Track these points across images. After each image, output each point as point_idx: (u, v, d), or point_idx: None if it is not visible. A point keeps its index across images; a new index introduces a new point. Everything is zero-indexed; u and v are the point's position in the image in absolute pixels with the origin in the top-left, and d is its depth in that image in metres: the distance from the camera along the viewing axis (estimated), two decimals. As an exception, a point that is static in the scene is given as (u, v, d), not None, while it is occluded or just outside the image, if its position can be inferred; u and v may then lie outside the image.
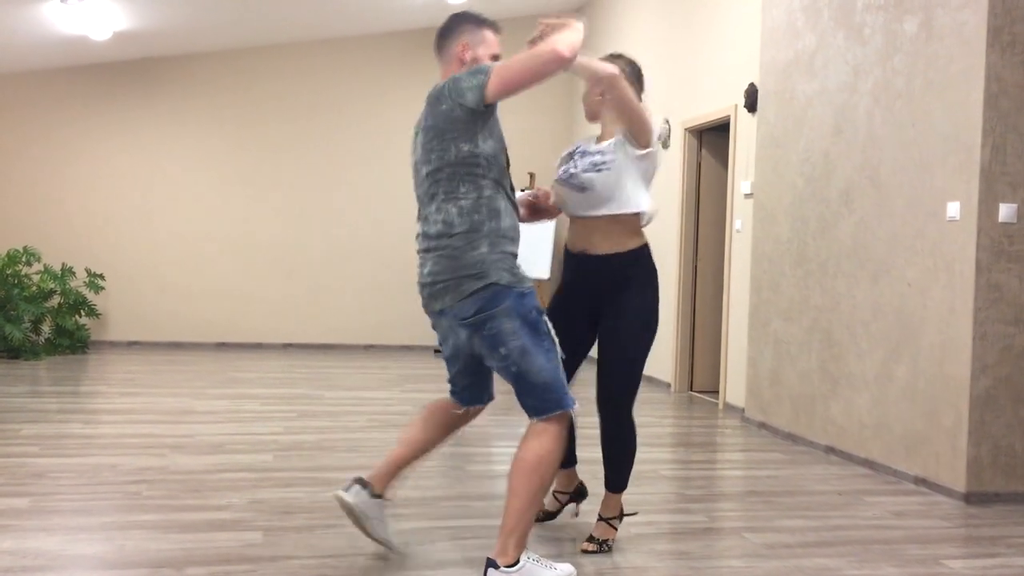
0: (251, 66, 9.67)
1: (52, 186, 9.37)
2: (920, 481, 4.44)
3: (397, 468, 3.18)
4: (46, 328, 8.76)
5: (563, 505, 3.70)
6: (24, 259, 8.48)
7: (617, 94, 3.09)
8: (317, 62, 9.74)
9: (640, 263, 3.28)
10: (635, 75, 3.43)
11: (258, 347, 9.62)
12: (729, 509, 3.98)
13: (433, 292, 2.90)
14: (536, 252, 9.46)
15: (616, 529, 3.39)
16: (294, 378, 7.54)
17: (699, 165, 7.33)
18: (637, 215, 3.28)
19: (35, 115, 9.32)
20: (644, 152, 3.23)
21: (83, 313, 8.85)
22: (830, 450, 5.13)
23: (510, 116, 10.05)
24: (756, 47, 6.19)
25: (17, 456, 4.46)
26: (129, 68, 9.46)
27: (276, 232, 9.69)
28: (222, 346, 9.60)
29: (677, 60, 7.56)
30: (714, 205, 7.28)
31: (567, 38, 2.78)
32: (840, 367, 5.08)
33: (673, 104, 7.59)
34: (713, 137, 7.26)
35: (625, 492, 4.15)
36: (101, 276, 9.02)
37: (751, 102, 6.26)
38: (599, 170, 3.24)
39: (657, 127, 3.27)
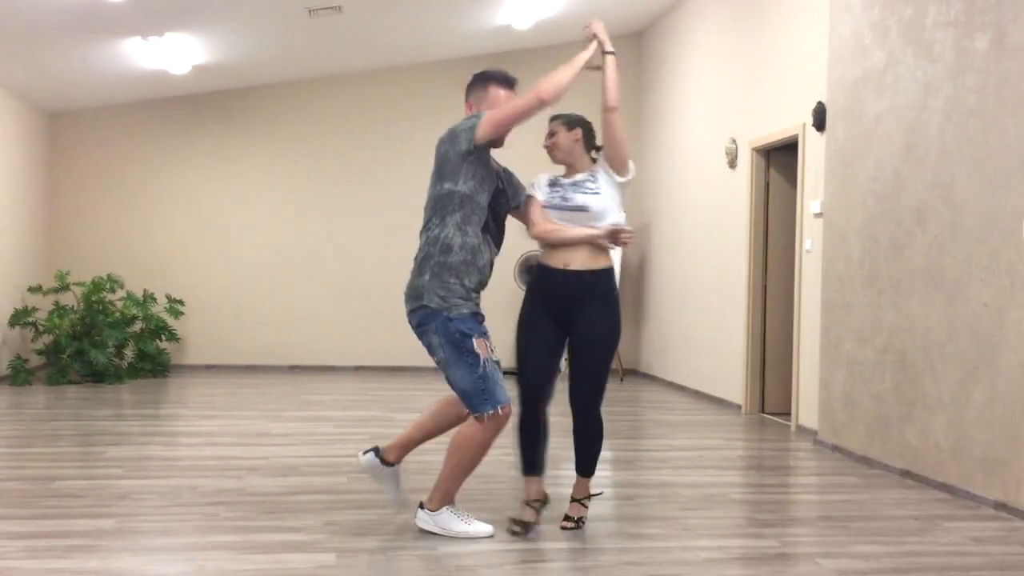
0: (323, 95, 9.90)
1: (133, 215, 9.71)
2: (1000, 506, 4.32)
3: (407, 446, 3.90)
4: (129, 353, 9.05)
5: (538, 513, 3.83)
6: (108, 286, 8.78)
7: (618, 124, 3.80)
8: (386, 90, 9.92)
9: (610, 280, 3.83)
10: (582, 123, 4.04)
11: (330, 370, 9.80)
12: (802, 534, 3.94)
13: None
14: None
15: (587, 508, 3.86)
16: (367, 400, 7.66)
17: (767, 185, 7.27)
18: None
19: (117, 147, 9.69)
20: (625, 180, 3.81)
21: (164, 338, 9.13)
22: (906, 474, 5.03)
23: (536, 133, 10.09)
24: (824, 65, 6.14)
25: (103, 478, 4.63)
26: (206, 100, 9.77)
27: (347, 257, 9.87)
28: (295, 369, 9.80)
29: (743, 79, 7.53)
30: (783, 225, 7.21)
31: (552, 80, 3.60)
32: (915, 389, 4.98)
33: (740, 123, 7.55)
34: (781, 156, 7.20)
35: (690, 514, 4.13)
36: (181, 302, 9.29)
37: (819, 120, 6.20)
38: (595, 194, 3.77)
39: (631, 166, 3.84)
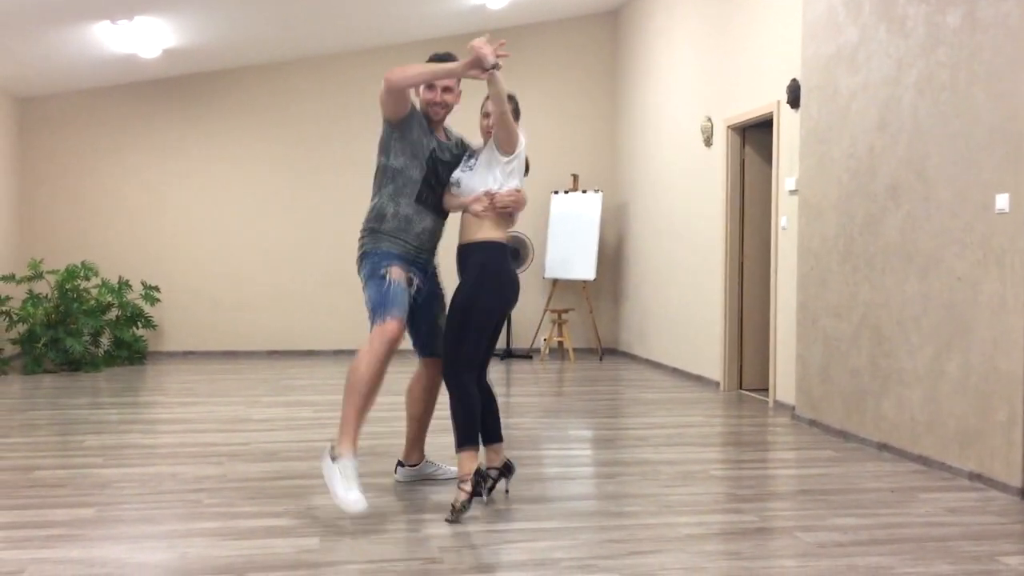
0: (295, 78, 9.82)
1: (106, 201, 9.61)
2: (975, 477, 4.39)
3: (417, 439, 4.24)
4: (105, 340, 8.98)
5: (495, 480, 4.00)
6: (82, 274, 8.70)
7: (501, 109, 3.83)
8: (360, 72, 9.86)
9: (478, 252, 3.91)
10: (515, 109, 4.04)
11: (309, 354, 9.77)
12: (781, 508, 3.98)
13: None
14: (582, 255, 9.47)
15: (466, 492, 3.74)
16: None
17: (743, 162, 7.30)
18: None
19: (88, 132, 9.57)
20: (508, 158, 3.94)
21: (140, 325, 9.06)
22: (882, 447, 5.09)
23: (554, 120, 10.09)
24: (798, 42, 6.16)
25: (81, 467, 4.61)
26: (178, 84, 9.66)
27: (324, 240, 9.83)
28: (274, 354, 9.76)
29: (718, 57, 7.54)
30: (759, 203, 7.25)
31: (405, 70, 3.80)
32: (891, 363, 5.04)
33: (715, 102, 7.57)
34: (756, 134, 7.23)
35: (671, 491, 4.17)
36: (156, 288, 9.22)
37: (794, 98, 6.22)
38: (468, 170, 4.00)
39: (522, 143, 3.99)
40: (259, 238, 9.79)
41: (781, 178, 6.52)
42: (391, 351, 3.75)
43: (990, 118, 4.32)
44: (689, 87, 8.14)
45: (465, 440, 3.81)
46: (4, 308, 8.43)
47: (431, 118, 4.02)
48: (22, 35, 7.50)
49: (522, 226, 9.84)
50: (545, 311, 9.80)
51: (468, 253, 3.92)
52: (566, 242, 9.62)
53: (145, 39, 8.01)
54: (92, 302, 8.72)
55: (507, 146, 3.92)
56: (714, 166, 7.55)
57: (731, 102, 7.28)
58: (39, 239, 9.47)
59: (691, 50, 8.10)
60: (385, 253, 3.88)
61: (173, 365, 8.94)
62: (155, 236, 9.65)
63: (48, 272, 8.74)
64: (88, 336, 8.64)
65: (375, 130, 4.22)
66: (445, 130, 4.14)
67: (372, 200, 4.01)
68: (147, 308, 9.31)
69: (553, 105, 10.12)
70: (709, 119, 7.63)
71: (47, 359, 8.42)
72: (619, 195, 10.01)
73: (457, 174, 4.01)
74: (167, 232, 9.67)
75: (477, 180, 3.94)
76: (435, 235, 4.07)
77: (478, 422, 3.87)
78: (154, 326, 9.29)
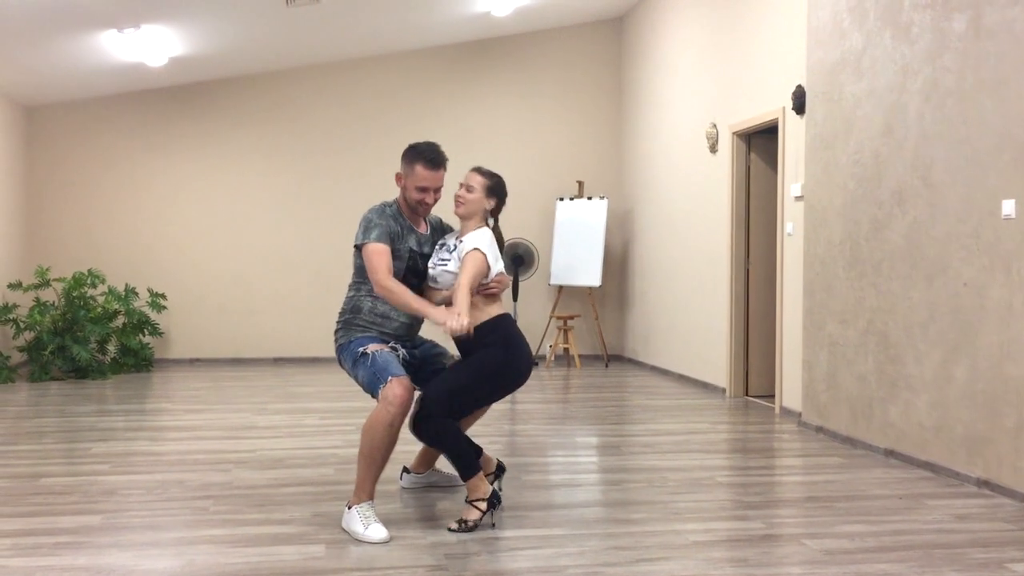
0: (302, 86, 9.85)
1: (113, 209, 9.64)
2: (983, 483, 4.37)
3: (429, 454, 4.27)
4: (111, 348, 9.00)
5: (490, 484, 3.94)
6: (89, 281, 8.72)
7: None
8: (366, 79, 9.88)
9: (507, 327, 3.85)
10: (503, 195, 3.95)
11: (314, 361, 9.78)
12: (787, 515, 3.97)
13: None
14: (587, 262, 9.48)
15: (480, 511, 3.69)
16: (351, 391, 7.64)
17: (748, 169, 7.30)
18: None
19: (95, 141, 9.60)
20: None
21: (147, 332, 9.08)
22: (890, 453, 5.08)
23: (559, 127, 10.10)
24: (803, 48, 6.16)
25: (88, 474, 4.62)
26: (185, 92, 9.70)
27: (329, 248, 9.84)
28: (280, 361, 9.78)
29: (723, 64, 7.54)
30: (764, 209, 7.24)
31: (397, 294, 3.70)
32: (897, 369, 5.03)
33: (720, 108, 7.57)
34: (762, 140, 7.23)
35: (677, 498, 4.17)
36: (163, 296, 9.24)
37: (799, 104, 6.22)
38: (443, 266, 3.88)
39: (483, 265, 3.78)
40: (265, 245, 9.81)
41: (787, 184, 6.51)
42: (402, 413, 3.60)
43: (996, 124, 4.31)
44: (694, 94, 8.15)
45: (469, 471, 3.72)
46: (11, 316, 8.46)
47: (415, 211, 3.91)
48: (29, 44, 7.53)
49: (528, 233, 9.85)
50: (550, 318, 9.80)
51: (488, 332, 3.75)
52: (571, 249, 9.62)
53: (152, 47, 8.04)
54: (99, 309, 8.74)
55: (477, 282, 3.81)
56: (719, 172, 7.55)
57: (736, 108, 7.28)
58: (46, 247, 9.50)
59: (696, 57, 8.10)
60: (360, 338, 3.84)
61: (179, 372, 8.96)
62: (162, 243, 9.68)
63: (55, 280, 8.77)
64: (95, 343, 8.66)
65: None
66: (425, 217, 4.04)
67: (349, 292, 3.97)
68: (154, 315, 9.33)
69: (558, 112, 10.13)
70: (714, 125, 7.64)
71: (54, 366, 8.44)
72: (624, 202, 10.02)
73: (434, 271, 3.89)
74: (173, 239, 9.70)
75: (449, 278, 3.83)
76: (412, 329, 3.98)
77: (470, 449, 3.77)
78: (160, 333, 9.31)
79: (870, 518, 3.87)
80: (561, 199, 9.84)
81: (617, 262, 10.13)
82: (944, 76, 4.67)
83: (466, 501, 3.73)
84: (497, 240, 3.95)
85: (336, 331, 3.96)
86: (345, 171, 9.83)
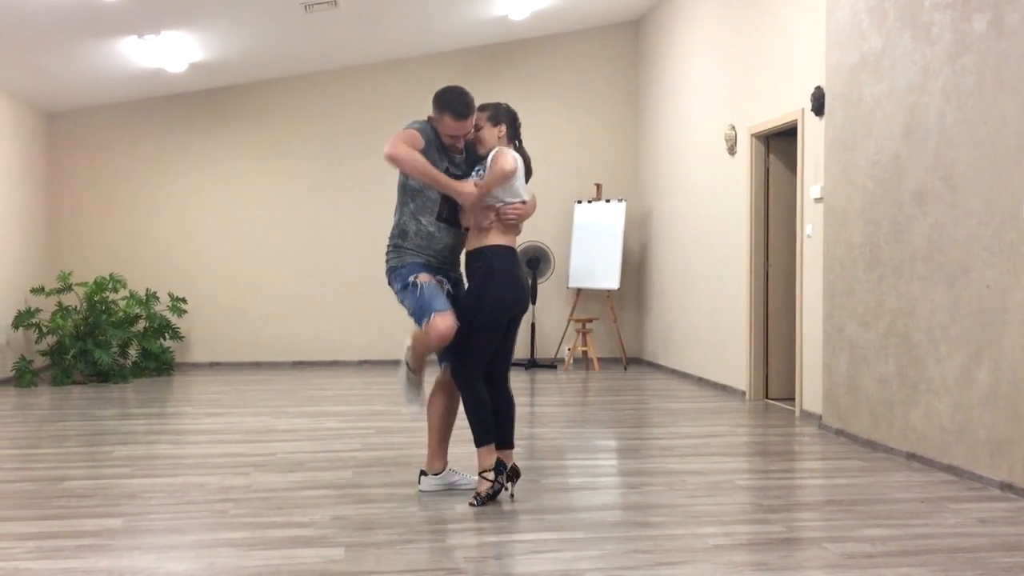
0: (321, 90, 9.89)
1: (133, 214, 9.72)
2: (1006, 487, 4.33)
3: (439, 448, 4.29)
4: (133, 352, 9.06)
5: (492, 483, 4.13)
6: (110, 286, 8.79)
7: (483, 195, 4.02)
8: (384, 83, 9.91)
9: (476, 259, 4.10)
10: (506, 116, 4.15)
11: (334, 364, 9.81)
12: (808, 519, 3.95)
13: None
14: (605, 265, 9.47)
15: (490, 480, 4.00)
16: (370, 395, 7.68)
17: (767, 171, 7.27)
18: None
19: (115, 146, 9.68)
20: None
21: (167, 336, 9.14)
22: (911, 456, 5.04)
23: (577, 130, 10.10)
24: (821, 49, 6.14)
25: (110, 478, 4.65)
26: (204, 97, 9.76)
27: (348, 251, 9.88)
28: (299, 364, 9.81)
29: (741, 66, 7.52)
30: (783, 211, 7.21)
31: (406, 155, 3.91)
32: (919, 372, 4.99)
33: (738, 110, 7.55)
34: (780, 142, 7.20)
35: (697, 501, 4.15)
36: (183, 300, 9.30)
37: (818, 105, 6.19)
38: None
39: (511, 164, 4.01)
40: (284, 250, 9.85)
41: (806, 186, 6.48)
42: (441, 345, 3.98)
43: (1018, 124, 4.28)
44: (712, 96, 8.12)
45: (483, 438, 4.02)
46: (34, 320, 8.54)
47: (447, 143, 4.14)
48: (51, 51, 7.61)
49: (545, 235, 9.85)
50: (569, 321, 9.79)
51: (474, 258, 4.07)
52: (590, 251, 9.61)
53: (172, 53, 8.11)
54: (120, 314, 8.81)
55: (502, 184, 4.04)
56: (738, 174, 7.52)
57: (755, 110, 7.26)
58: (68, 252, 9.58)
59: (714, 59, 8.08)
60: (411, 264, 4.08)
61: (200, 376, 9.01)
62: (182, 248, 9.74)
63: (77, 284, 8.84)
64: (116, 348, 8.73)
65: None
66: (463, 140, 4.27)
67: (395, 216, 4.18)
68: (174, 319, 9.40)
69: (576, 115, 10.13)
70: (733, 127, 7.61)
71: (76, 371, 8.51)
72: (643, 204, 10.00)
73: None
74: (193, 244, 9.76)
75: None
76: (456, 249, 4.24)
77: (491, 420, 4.03)
78: (181, 337, 9.37)
79: (892, 522, 3.84)
80: (579, 202, 9.83)
81: (635, 265, 10.11)
82: (965, 77, 4.64)
83: (479, 474, 4.01)
84: (525, 160, 4.15)
85: (387, 253, 4.17)
86: (364, 175, 9.86)
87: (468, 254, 4.12)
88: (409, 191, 4.11)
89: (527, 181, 4.18)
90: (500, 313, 4.03)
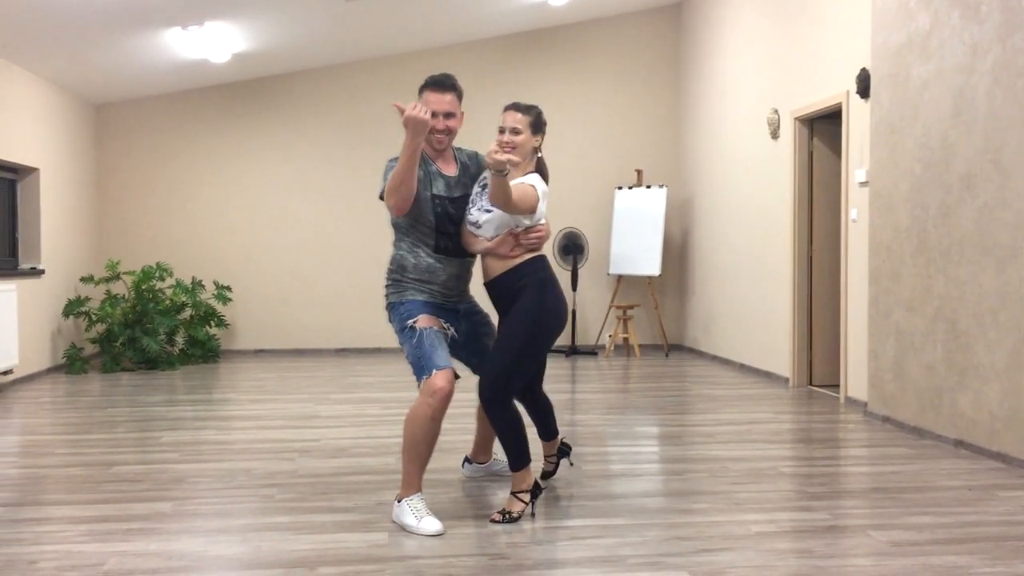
0: (361, 79, 9.94)
1: (179, 203, 9.85)
2: (1058, 475, 4.25)
3: (486, 441, 4.28)
4: (179, 339, 9.20)
5: (557, 464, 4.25)
6: (157, 274, 8.93)
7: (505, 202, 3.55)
8: (424, 71, 9.89)
9: (519, 275, 3.74)
10: (544, 125, 3.83)
11: (377, 351, 9.89)
12: (853, 506, 3.91)
13: None
14: (647, 251, 9.42)
15: (524, 503, 3.71)
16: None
17: (811, 155, 7.17)
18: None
19: (161, 137, 9.82)
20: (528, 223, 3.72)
21: (213, 324, 9.27)
22: (959, 444, 4.97)
23: (617, 116, 10.04)
24: (867, 30, 6.03)
25: (159, 463, 4.74)
26: (248, 87, 9.85)
27: (391, 238, 9.92)
28: (342, 351, 9.90)
29: (784, 48, 7.42)
30: (828, 195, 7.12)
31: (389, 190, 3.63)
32: (967, 357, 4.91)
33: (782, 93, 7.45)
34: (825, 125, 7.10)
35: (740, 488, 4.13)
36: (228, 288, 9.42)
37: (864, 87, 6.09)
38: (487, 211, 3.70)
39: (542, 202, 3.71)
40: (327, 238, 9.93)
41: (851, 170, 6.39)
42: (443, 404, 3.56)
43: (1071, 104, 4.17)
44: (754, 79, 8.03)
45: (520, 460, 3.70)
46: (84, 309, 8.71)
47: (435, 148, 3.79)
48: (99, 44, 7.73)
49: (587, 222, 9.82)
50: (610, 307, 9.76)
51: (514, 277, 3.68)
52: (631, 238, 9.56)
53: (215, 44, 8.19)
54: (167, 302, 8.95)
55: (526, 213, 3.68)
56: (781, 159, 7.44)
57: (798, 93, 7.16)
58: (116, 241, 9.75)
59: (756, 41, 7.98)
60: (410, 303, 3.75)
61: (245, 363, 9.13)
62: (226, 237, 9.86)
63: (125, 273, 9.00)
64: (164, 335, 8.87)
65: None
66: (455, 154, 3.92)
67: (392, 250, 3.86)
68: (219, 307, 9.53)
69: (616, 101, 10.07)
70: (775, 111, 7.52)
71: (125, 358, 8.66)
72: (684, 190, 9.92)
73: (476, 214, 3.72)
74: (238, 233, 9.87)
75: (496, 224, 3.68)
76: (462, 279, 3.88)
77: (526, 439, 3.72)
78: (226, 325, 9.50)
79: (939, 509, 3.79)
80: (620, 188, 9.79)
81: (677, 251, 10.05)
82: (1015, 56, 4.53)
83: (511, 493, 3.72)
84: (544, 171, 3.80)
85: (386, 287, 3.84)
86: (404, 163, 9.88)
87: (503, 276, 3.69)
88: (401, 229, 3.79)
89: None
90: (557, 328, 3.71)
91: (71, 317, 8.72)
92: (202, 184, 9.86)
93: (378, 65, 9.95)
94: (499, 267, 3.70)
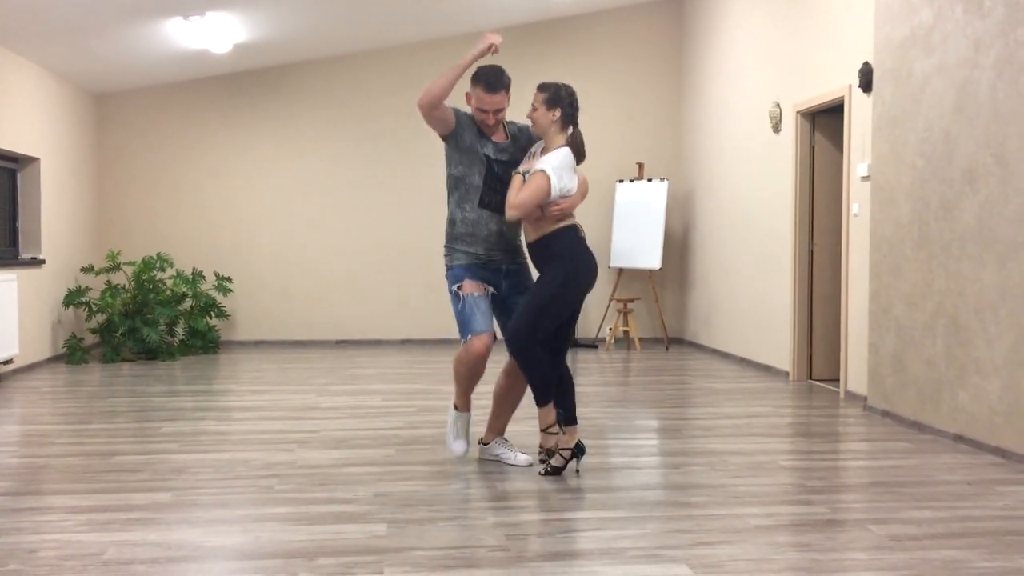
0: (363, 70, 9.92)
1: (180, 194, 9.84)
2: (1057, 470, 4.25)
3: (495, 421, 4.46)
4: (180, 330, 9.20)
5: (567, 460, 4.24)
6: (158, 265, 8.93)
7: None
8: (426, 63, 9.91)
9: (548, 246, 4.17)
10: (565, 101, 4.14)
11: (377, 343, 9.89)
12: (852, 500, 3.91)
13: None
14: (647, 244, 9.41)
15: (564, 455, 4.18)
16: (413, 373, 7.73)
17: (812, 149, 7.16)
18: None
19: (162, 127, 9.80)
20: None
21: (213, 315, 9.27)
22: (958, 438, 4.97)
23: (618, 109, 10.02)
24: (869, 24, 6.02)
25: (159, 453, 4.74)
26: (248, 78, 9.84)
27: (392, 231, 9.92)
28: (342, 343, 9.91)
29: (786, 42, 7.40)
30: (829, 189, 7.11)
31: (426, 90, 4.07)
32: (968, 352, 4.90)
33: (783, 87, 7.43)
34: (827, 119, 7.08)
35: (739, 482, 4.14)
36: (229, 279, 9.42)
37: (866, 81, 6.08)
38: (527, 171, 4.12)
39: (556, 180, 4.05)
40: (328, 229, 9.92)
41: (852, 164, 6.38)
42: (480, 362, 4.18)
43: (1073, 99, 4.16)
44: (756, 72, 8.01)
45: (544, 394, 4.12)
46: (84, 299, 8.71)
47: (487, 129, 4.24)
48: (100, 33, 7.71)
49: (587, 215, 9.79)
50: (610, 300, 9.76)
51: (544, 248, 4.12)
52: (631, 231, 9.56)
53: (216, 34, 8.17)
54: (167, 293, 8.95)
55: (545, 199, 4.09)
56: (783, 152, 7.42)
57: (800, 87, 7.14)
58: (116, 232, 9.74)
59: (758, 35, 7.97)
60: (457, 269, 4.26)
61: (245, 354, 9.14)
62: (227, 228, 9.86)
63: (125, 264, 8.99)
64: (164, 326, 8.87)
65: None
66: (505, 127, 4.34)
67: (447, 208, 4.35)
68: (220, 298, 9.52)
69: (617, 94, 10.05)
70: (777, 105, 7.50)
71: (125, 348, 8.67)
72: (685, 183, 9.91)
73: (523, 170, 4.12)
74: (239, 224, 9.87)
75: None
76: (504, 235, 4.27)
77: (552, 377, 4.11)
78: (226, 316, 9.50)
79: (938, 504, 3.80)
80: (621, 181, 9.77)
81: (677, 244, 10.04)
82: (1018, 50, 4.52)
83: (540, 430, 4.21)
84: (577, 146, 4.14)
85: (444, 246, 4.35)
86: (406, 155, 9.88)
87: (535, 244, 4.15)
88: (452, 181, 4.25)
89: (579, 163, 4.18)
90: (586, 285, 4.15)
91: (71, 307, 8.72)
92: (203, 175, 9.85)
93: (382, 56, 9.93)
94: (533, 233, 4.14)
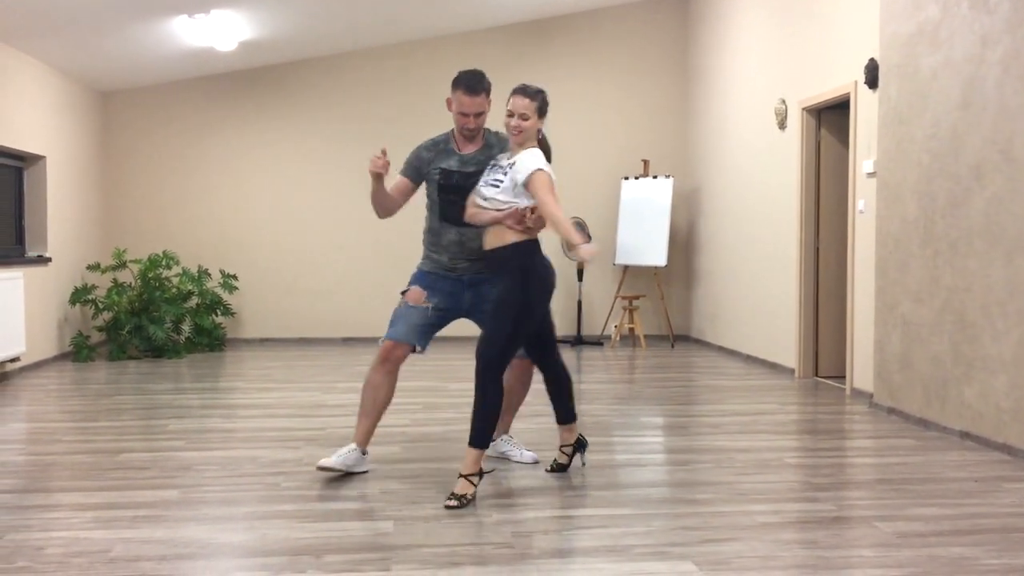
0: (369, 68, 9.92)
1: (186, 192, 9.86)
2: (1064, 467, 4.25)
3: (502, 417, 4.32)
4: (186, 328, 9.22)
5: (571, 457, 4.25)
6: (164, 263, 8.95)
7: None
8: (431, 61, 9.91)
9: (516, 254, 3.94)
10: (544, 108, 3.99)
11: (382, 341, 9.88)
12: (859, 497, 3.91)
13: None
14: (653, 241, 9.40)
15: (473, 486, 3.79)
16: (418, 371, 7.73)
17: (818, 145, 7.15)
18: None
19: (167, 125, 9.82)
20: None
21: (219, 312, 9.28)
22: (965, 435, 4.96)
23: (623, 106, 10.01)
24: (875, 20, 6.00)
25: (166, 450, 4.75)
26: (253, 76, 9.84)
27: (397, 228, 9.92)
28: (348, 340, 9.91)
29: (792, 38, 7.39)
30: (835, 186, 7.09)
31: (373, 204, 4.46)
32: (975, 349, 4.89)
33: (789, 83, 7.42)
34: (832, 116, 7.07)
35: (745, 479, 4.13)
36: (235, 277, 9.43)
37: (872, 78, 6.07)
38: (494, 186, 3.95)
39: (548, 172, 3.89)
40: (334, 227, 9.93)
41: (858, 160, 6.37)
42: (385, 366, 4.17)
43: (1081, 95, 4.15)
44: (762, 69, 8.00)
45: (481, 441, 3.78)
46: (90, 297, 8.72)
47: (463, 134, 4.20)
48: (105, 31, 7.72)
49: (592, 212, 9.80)
50: (616, 298, 9.76)
51: (505, 257, 3.88)
52: (637, 228, 9.55)
53: (221, 32, 8.17)
54: (173, 290, 8.96)
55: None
56: (788, 149, 7.41)
57: (806, 84, 7.13)
58: (122, 229, 9.76)
59: (764, 31, 7.95)
60: (418, 273, 4.38)
61: (251, 352, 9.15)
62: (233, 226, 9.87)
63: (131, 261, 9.01)
64: (170, 323, 8.88)
65: (446, 119, 4.34)
66: (484, 135, 4.26)
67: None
68: (226, 296, 9.54)
69: (622, 91, 10.04)
70: (783, 101, 7.49)
71: (131, 346, 8.69)
72: (690, 180, 9.90)
73: (485, 188, 3.95)
74: (245, 222, 9.88)
75: (501, 199, 3.89)
76: (464, 246, 4.17)
77: (495, 424, 3.81)
78: (232, 314, 9.51)
79: (944, 501, 3.79)
80: (626, 178, 9.77)
81: (683, 241, 10.03)
82: (1025, 46, 4.50)
83: (460, 475, 3.78)
84: (545, 150, 4.01)
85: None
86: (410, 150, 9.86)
87: (494, 252, 3.93)
88: (427, 196, 4.37)
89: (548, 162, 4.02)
90: (548, 298, 3.97)
91: (78, 305, 8.74)
92: (209, 172, 9.87)
93: (384, 54, 9.93)
94: (493, 241, 3.93)
